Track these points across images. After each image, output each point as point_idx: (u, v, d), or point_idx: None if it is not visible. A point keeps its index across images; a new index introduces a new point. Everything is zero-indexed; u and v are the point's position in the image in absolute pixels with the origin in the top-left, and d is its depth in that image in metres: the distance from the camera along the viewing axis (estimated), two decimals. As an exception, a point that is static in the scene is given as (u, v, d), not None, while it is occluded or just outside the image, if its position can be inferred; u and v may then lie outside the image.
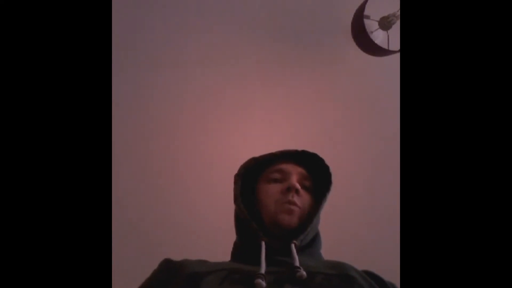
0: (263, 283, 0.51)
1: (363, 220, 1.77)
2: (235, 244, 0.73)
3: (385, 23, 1.55)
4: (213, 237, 1.47)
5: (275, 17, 1.69)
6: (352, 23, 1.60)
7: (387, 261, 1.61)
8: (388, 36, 1.57)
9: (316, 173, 0.75)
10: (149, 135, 1.68)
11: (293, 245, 0.61)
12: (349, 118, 1.78)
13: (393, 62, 1.67)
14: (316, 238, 0.71)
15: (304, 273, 0.53)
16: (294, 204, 0.67)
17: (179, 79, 1.68)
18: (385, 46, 1.54)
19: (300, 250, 0.63)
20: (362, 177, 1.78)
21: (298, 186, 0.68)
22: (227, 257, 0.73)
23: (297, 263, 0.56)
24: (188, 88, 1.69)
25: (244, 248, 0.69)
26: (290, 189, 0.68)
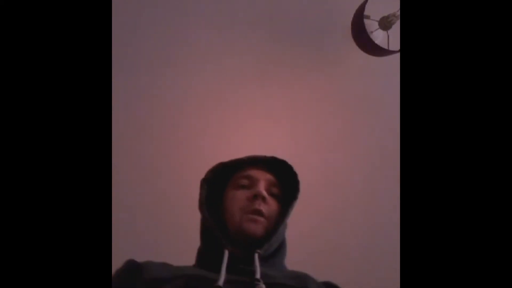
0: None
1: (363, 221, 1.77)
2: (199, 250, 0.71)
3: (385, 23, 1.55)
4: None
5: (275, 17, 1.69)
6: (352, 23, 1.60)
7: (387, 263, 1.61)
8: (388, 36, 1.57)
9: (285, 180, 0.73)
10: (149, 134, 1.67)
11: (256, 255, 0.59)
12: (349, 118, 1.78)
13: (393, 62, 1.66)
14: (281, 247, 0.69)
15: (263, 286, 0.52)
16: (260, 213, 0.65)
17: (179, 79, 1.67)
18: (385, 46, 1.53)
19: (263, 259, 0.61)
20: (361, 177, 1.78)
21: (264, 193, 0.66)
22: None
23: (258, 275, 0.55)
24: (188, 88, 1.68)
25: (207, 255, 0.67)
26: (256, 196, 0.66)
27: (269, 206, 0.67)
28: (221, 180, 0.74)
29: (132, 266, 0.63)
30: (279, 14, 1.68)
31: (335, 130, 1.77)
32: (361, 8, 1.49)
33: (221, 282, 0.53)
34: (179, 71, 1.67)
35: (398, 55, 1.55)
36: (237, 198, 0.68)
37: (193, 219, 1.74)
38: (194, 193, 1.79)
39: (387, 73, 1.74)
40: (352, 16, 1.59)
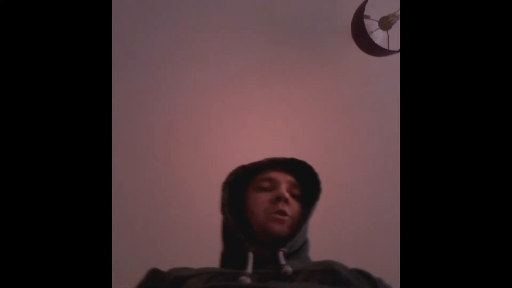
0: (248, 279, 0.52)
1: (363, 221, 1.77)
2: (222, 254, 0.72)
3: (385, 23, 1.55)
4: (214, 238, 1.47)
5: (275, 17, 1.69)
6: (352, 23, 1.60)
7: (387, 263, 1.61)
8: (388, 36, 1.57)
9: (305, 180, 0.74)
10: (149, 135, 1.67)
11: (281, 253, 0.61)
12: (349, 118, 1.78)
13: (393, 62, 1.66)
14: (304, 245, 0.70)
15: (290, 268, 0.54)
16: (284, 213, 0.66)
17: (179, 79, 1.67)
18: (385, 46, 1.54)
19: (287, 256, 0.62)
20: (361, 177, 1.78)
21: (287, 195, 0.68)
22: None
23: (283, 262, 0.57)
24: (188, 88, 1.68)
25: (231, 257, 0.68)
26: (279, 198, 0.67)
27: (292, 208, 0.68)
28: (240, 183, 0.75)
29: (155, 275, 0.63)
30: (280, 14, 1.68)
31: (335, 130, 1.77)
32: (361, 8, 1.50)
33: (249, 270, 0.55)
34: (180, 72, 1.67)
35: (398, 55, 1.55)
36: (260, 200, 0.69)
37: (192, 218, 1.73)
38: (192, 193, 1.78)
39: (387, 73, 1.74)
40: (352, 16, 1.59)
